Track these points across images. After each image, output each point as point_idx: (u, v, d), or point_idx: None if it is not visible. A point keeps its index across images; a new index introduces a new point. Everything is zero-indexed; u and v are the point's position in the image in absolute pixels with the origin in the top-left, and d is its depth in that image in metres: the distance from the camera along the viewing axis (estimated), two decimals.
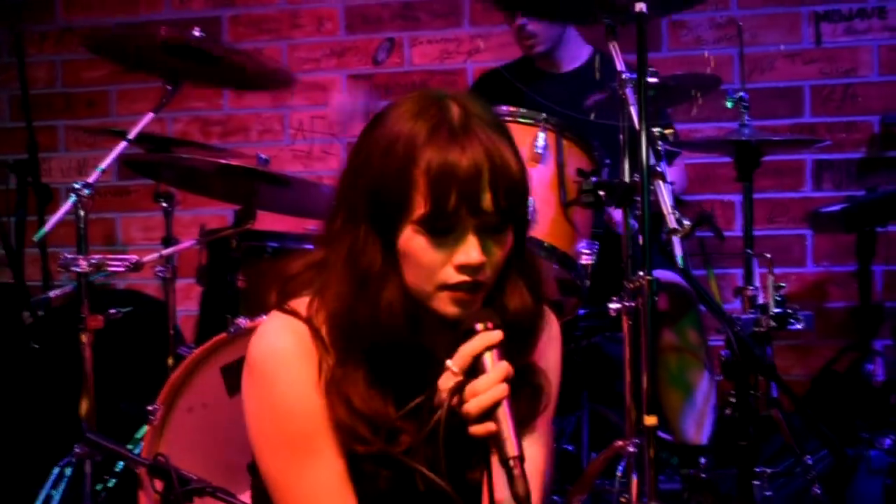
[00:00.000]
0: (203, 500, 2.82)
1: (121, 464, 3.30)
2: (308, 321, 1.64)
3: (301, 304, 1.67)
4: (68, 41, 5.00)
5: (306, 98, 4.74)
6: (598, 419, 3.74)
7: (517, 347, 1.65)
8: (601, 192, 2.69)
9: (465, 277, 1.57)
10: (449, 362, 1.57)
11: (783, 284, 3.21)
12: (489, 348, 1.56)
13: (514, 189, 1.57)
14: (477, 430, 1.53)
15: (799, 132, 4.30)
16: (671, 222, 2.50)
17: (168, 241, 3.80)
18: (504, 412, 1.53)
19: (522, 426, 1.62)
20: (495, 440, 1.53)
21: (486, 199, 1.55)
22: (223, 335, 2.83)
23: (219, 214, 4.59)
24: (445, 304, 1.59)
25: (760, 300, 3.18)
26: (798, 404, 2.68)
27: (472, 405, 1.53)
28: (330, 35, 4.79)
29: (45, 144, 4.62)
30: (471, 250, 1.56)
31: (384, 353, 1.62)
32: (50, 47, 5.01)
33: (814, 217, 4.05)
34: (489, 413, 1.52)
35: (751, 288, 3.22)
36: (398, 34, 4.70)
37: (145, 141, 3.52)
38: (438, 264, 1.57)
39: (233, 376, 2.81)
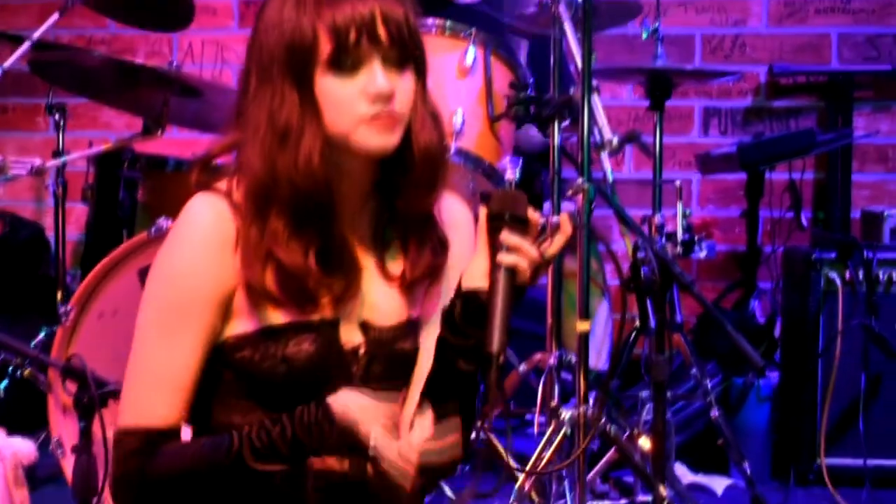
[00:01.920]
0: (115, 404, 2.78)
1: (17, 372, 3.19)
2: (227, 195, 1.65)
3: (221, 185, 1.68)
4: None
5: (196, 22, 4.54)
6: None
7: (429, 180, 1.69)
8: (531, 107, 2.73)
9: (379, 107, 1.60)
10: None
11: (689, 212, 3.31)
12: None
13: (405, 22, 1.63)
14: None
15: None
16: (607, 134, 2.56)
17: (59, 154, 3.68)
18: None
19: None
20: None
21: (382, 31, 1.60)
22: (143, 235, 2.76)
23: (104, 136, 4.45)
24: (367, 137, 1.62)
25: (667, 229, 3.28)
26: (718, 317, 2.75)
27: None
28: None
29: None
30: (378, 78, 1.60)
31: (302, 208, 1.62)
32: None
33: (704, 159, 4.16)
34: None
35: (658, 216, 3.31)
36: None
37: (42, 47, 3.40)
38: (352, 98, 1.60)
39: None
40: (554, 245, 1.60)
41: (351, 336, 1.67)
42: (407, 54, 1.64)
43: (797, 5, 4.49)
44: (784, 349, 3.76)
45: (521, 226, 1.57)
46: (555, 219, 1.60)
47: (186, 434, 1.71)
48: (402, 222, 1.71)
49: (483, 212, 1.60)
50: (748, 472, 3.20)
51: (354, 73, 1.61)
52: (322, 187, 1.62)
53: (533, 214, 1.59)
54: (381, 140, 1.62)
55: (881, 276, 3.48)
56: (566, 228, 1.61)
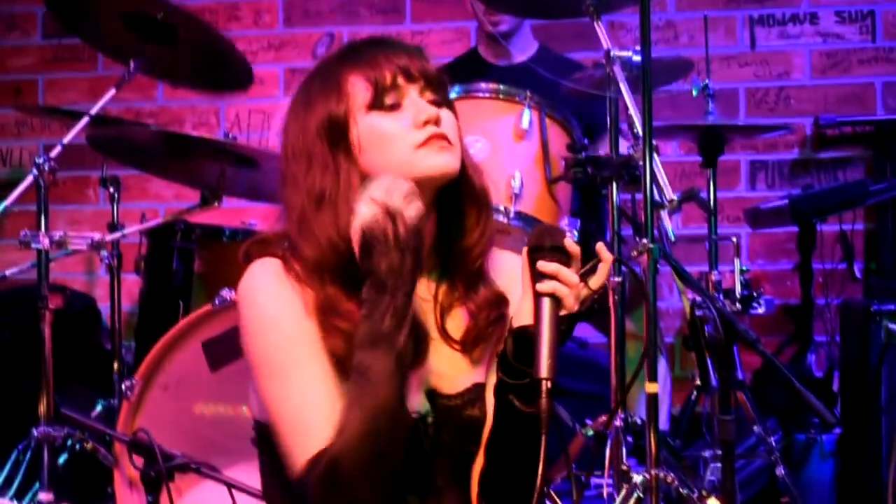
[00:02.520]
0: (181, 478, 2.77)
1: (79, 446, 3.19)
2: (282, 258, 1.69)
3: (274, 251, 1.72)
4: None
5: (242, 91, 4.66)
6: None
7: (484, 228, 1.73)
8: (589, 168, 2.72)
9: (431, 129, 1.66)
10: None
11: (747, 268, 3.29)
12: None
13: (434, 70, 1.72)
14: None
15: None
16: (668, 193, 2.55)
17: (114, 227, 3.71)
18: None
19: None
20: None
21: (416, 71, 1.69)
22: (208, 307, 2.77)
23: (154, 207, 4.49)
24: (428, 158, 1.66)
25: (725, 285, 3.26)
26: (787, 374, 2.72)
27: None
28: (268, 28, 4.75)
29: None
30: (422, 105, 1.67)
31: (350, 270, 1.63)
32: None
33: (753, 213, 4.14)
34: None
35: (715, 272, 3.29)
36: (338, 29, 4.67)
37: (99, 122, 3.43)
38: (403, 129, 1.66)
39: (215, 351, 2.75)
40: (599, 274, 1.66)
41: (418, 406, 1.67)
42: (442, 97, 1.71)
43: (840, 56, 4.48)
44: (844, 403, 3.71)
45: (559, 255, 1.61)
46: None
47: None
48: (459, 283, 1.72)
49: (524, 250, 1.64)
50: None
51: (398, 109, 1.67)
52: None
53: (570, 244, 1.63)
54: (442, 160, 1.66)
55: None
56: (605, 256, 1.67)
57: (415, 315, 1.67)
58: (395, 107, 1.67)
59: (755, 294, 3.22)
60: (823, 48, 4.50)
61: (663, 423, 3.65)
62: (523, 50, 3.85)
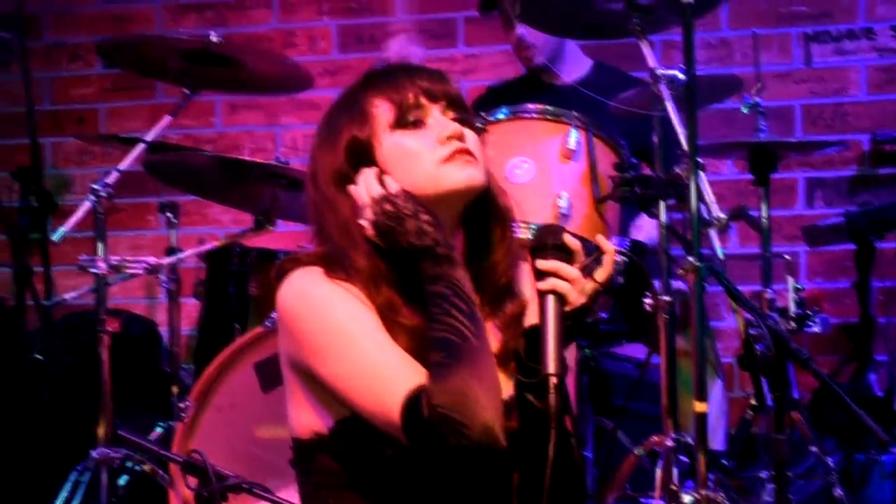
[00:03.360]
0: (234, 498, 2.79)
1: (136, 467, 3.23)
2: (322, 266, 1.71)
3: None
4: (56, 58, 4.95)
5: (299, 117, 4.73)
6: (599, 434, 3.73)
7: (509, 236, 1.77)
8: (637, 187, 2.71)
9: (455, 144, 1.68)
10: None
11: (802, 287, 3.25)
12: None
13: (456, 90, 1.75)
14: None
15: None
16: (715, 211, 2.53)
17: (172, 252, 3.76)
18: None
19: None
20: None
21: (437, 91, 1.72)
22: (259, 329, 2.80)
23: (212, 232, 4.54)
24: (453, 173, 1.68)
25: (778, 304, 3.23)
26: (839, 393, 2.68)
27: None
28: (323, 54, 4.79)
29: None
30: (445, 122, 1.70)
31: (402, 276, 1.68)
32: (37, 64, 4.94)
33: (811, 231, 4.10)
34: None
35: (769, 291, 3.26)
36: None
37: (156, 149, 3.49)
38: (427, 146, 1.69)
39: (267, 372, 2.78)
40: (604, 266, 1.69)
41: None
42: (464, 116, 1.74)
43: None
44: None
45: (560, 253, 1.64)
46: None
47: None
48: (487, 299, 1.75)
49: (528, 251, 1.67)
50: None
51: (421, 126, 1.70)
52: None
53: (571, 240, 1.66)
54: (466, 174, 1.69)
55: None
56: (607, 247, 1.72)
57: None
58: (418, 124, 1.70)
59: (809, 312, 3.18)
60: (880, 63, 4.44)
61: (720, 444, 3.62)
62: (572, 72, 3.83)
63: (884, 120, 4.42)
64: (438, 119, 1.71)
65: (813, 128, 4.46)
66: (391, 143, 1.70)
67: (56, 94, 4.98)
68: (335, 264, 1.70)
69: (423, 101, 1.71)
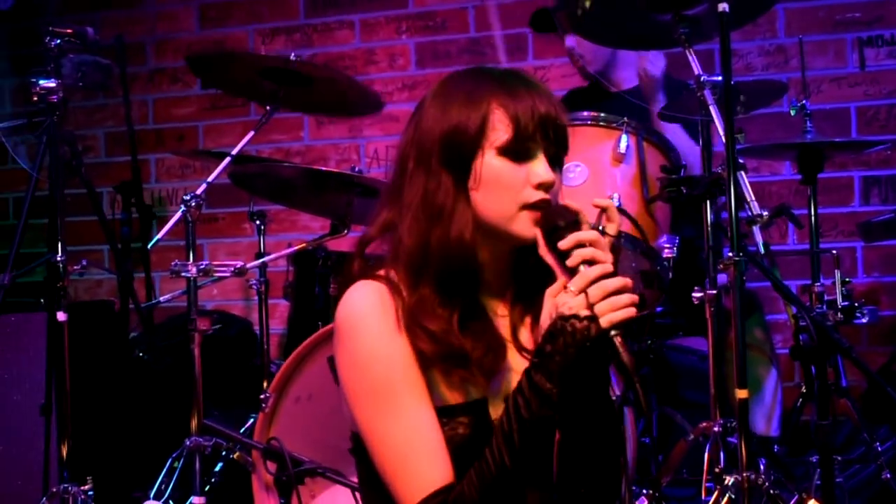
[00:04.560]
0: (312, 482, 2.85)
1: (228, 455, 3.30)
2: (385, 279, 1.69)
3: (381, 271, 1.72)
4: (159, 81, 5.10)
5: (381, 129, 4.79)
6: (663, 420, 3.72)
7: None
8: (683, 187, 2.72)
9: (543, 195, 1.66)
10: (569, 285, 1.60)
11: (849, 280, 3.21)
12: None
13: (565, 127, 1.71)
14: (623, 316, 1.57)
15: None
16: (755, 209, 2.52)
17: (260, 256, 3.84)
18: None
19: None
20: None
21: (552, 131, 1.68)
22: (331, 325, 2.84)
23: (302, 238, 4.62)
24: (526, 225, 1.66)
25: (827, 297, 3.19)
26: (879, 382, 2.65)
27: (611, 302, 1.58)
28: (402, 70, 4.86)
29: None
30: (546, 169, 1.67)
31: (449, 278, 1.67)
32: (140, 87, 5.10)
33: (865, 227, 4.03)
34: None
35: (818, 285, 3.22)
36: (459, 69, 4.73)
37: (242, 160, 3.57)
38: (520, 184, 1.66)
39: None
40: (612, 220, 1.68)
41: (500, 412, 1.66)
42: (562, 155, 1.71)
43: None
44: None
45: (575, 226, 1.62)
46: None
47: None
48: (530, 300, 1.73)
49: (538, 235, 1.64)
50: None
51: (523, 162, 1.66)
52: (470, 260, 1.68)
53: (574, 207, 1.66)
54: (532, 232, 1.66)
55: None
56: (602, 203, 1.70)
57: (495, 329, 1.72)
58: (523, 158, 1.67)
59: (857, 304, 3.14)
60: None
61: (775, 430, 3.59)
62: (631, 78, 3.82)
63: None
64: (541, 161, 1.67)
65: (867, 129, 4.39)
66: (492, 165, 1.66)
67: (158, 114, 5.12)
68: (392, 256, 1.70)
69: (538, 136, 1.67)
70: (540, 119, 1.66)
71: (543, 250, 1.64)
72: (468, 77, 1.74)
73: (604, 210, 1.68)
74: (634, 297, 1.57)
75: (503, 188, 1.66)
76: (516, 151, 1.65)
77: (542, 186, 1.66)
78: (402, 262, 1.69)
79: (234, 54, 3.40)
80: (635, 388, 1.57)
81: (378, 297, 1.67)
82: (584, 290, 1.57)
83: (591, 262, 1.59)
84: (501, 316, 1.75)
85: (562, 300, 1.59)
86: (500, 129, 1.65)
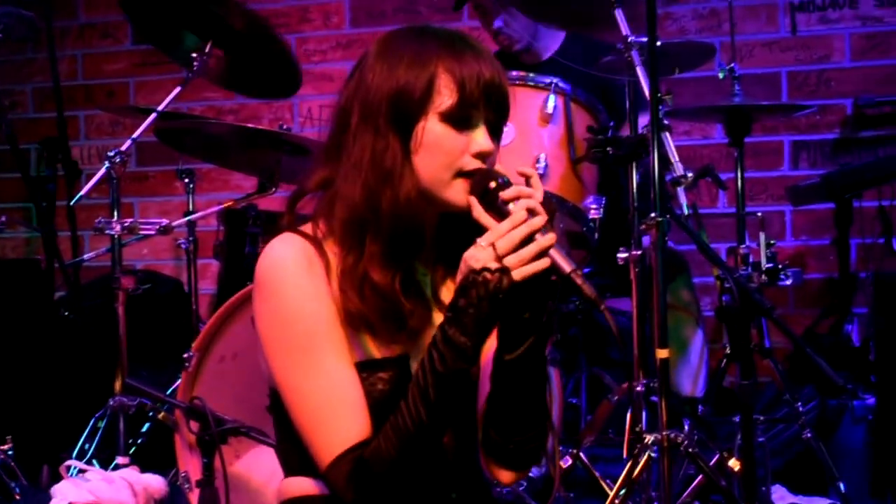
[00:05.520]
0: (237, 442, 2.81)
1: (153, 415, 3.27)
2: (310, 237, 1.67)
3: (306, 227, 1.69)
4: (88, 36, 4.99)
5: (314, 88, 4.73)
6: (593, 381, 3.74)
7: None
8: (609, 148, 2.70)
9: (479, 164, 1.64)
10: (479, 240, 1.59)
11: (773, 242, 3.23)
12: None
13: (507, 99, 1.68)
14: (534, 269, 1.55)
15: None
16: (679, 169, 2.52)
17: (188, 214, 3.78)
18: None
19: None
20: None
21: (495, 98, 1.65)
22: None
23: (232, 197, 4.55)
24: (460, 192, 1.64)
25: (752, 259, 3.21)
26: (796, 341, 2.67)
27: (528, 251, 1.56)
28: (336, 28, 4.80)
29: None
30: (485, 139, 1.65)
31: (398, 239, 1.65)
32: (70, 42, 5.00)
33: (794, 191, 4.07)
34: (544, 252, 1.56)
35: (743, 247, 3.24)
36: (400, 27, 4.67)
37: (169, 117, 3.51)
38: (458, 151, 1.64)
39: None
40: (537, 189, 1.64)
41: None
42: (502, 124, 1.69)
43: (879, 38, 4.37)
44: (879, 372, 3.62)
45: (507, 185, 1.61)
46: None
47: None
48: (451, 261, 1.70)
49: (473, 200, 1.62)
50: (844, 490, 3.09)
51: (464, 130, 1.64)
52: (419, 222, 1.65)
53: (502, 170, 1.64)
54: (465, 199, 1.64)
55: None
56: (528, 171, 1.66)
57: (421, 288, 1.71)
58: (464, 125, 1.64)
59: (781, 267, 3.16)
60: (863, 31, 4.38)
61: (701, 391, 3.62)
62: (548, 47, 3.72)
63: (867, 85, 4.37)
64: (482, 131, 1.65)
65: (798, 93, 4.41)
66: (434, 131, 1.64)
67: (88, 69, 5.02)
68: (323, 212, 1.67)
69: (482, 104, 1.64)
70: (485, 85, 1.63)
71: (479, 212, 1.61)
72: (414, 36, 1.70)
73: (528, 178, 1.66)
74: (543, 245, 1.55)
75: (442, 154, 1.64)
76: (459, 118, 1.63)
77: (480, 156, 1.64)
78: (342, 220, 1.66)
79: None
80: (606, 315, 1.59)
81: (303, 251, 1.65)
82: (492, 244, 1.56)
83: (533, 213, 1.58)
84: (422, 275, 1.74)
85: (471, 254, 1.58)
86: (444, 94, 1.63)
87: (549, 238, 1.56)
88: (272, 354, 1.66)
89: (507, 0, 3.52)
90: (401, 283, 1.65)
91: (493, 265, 1.55)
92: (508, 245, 1.55)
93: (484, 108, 1.64)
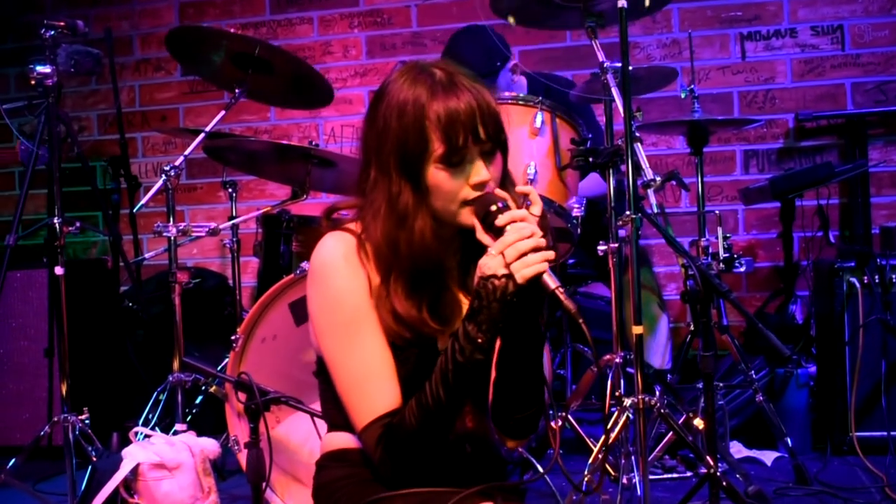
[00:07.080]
0: (277, 409, 2.83)
1: (205, 388, 3.29)
2: (357, 236, 1.68)
3: (353, 225, 1.70)
4: (144, 70, 5.01)
5: (336, 110, 4.75)
6: (576, 356, 3.77)
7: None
8: (590, 157, 2.73)
9: (479, 193, 1.64)
10: (490, 249, 1.59)
11: (729, 236, 3.25)
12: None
13: (496, 120, 1.66)
14: (534, 271, 1.55)
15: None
16: (649, 174, 2.54)
17: (232, 218, 3.80)
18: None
19: None
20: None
21: (482, 131, 1.63)
22: (291, 276, 2.83)
23: (268, 204, 4.57)
24: (468, 216, 1.65)
25: (711, 250, 3.23)
26: (749, 318, 2.70)
27: (524, 260, 1.56)
28: (354, 60, 4.81)
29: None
30: (480, 171, 1.64)
31: (418, 275, 1.65)
32: (129, 75, 5.02)
33: (745, 192, 4.09)
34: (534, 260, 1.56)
35: (703, 240, 3.26)
36: (409, 57, 4.71)
37: (215, 137, 3.53)
38: (459, 188, 1.64)
39: (299, 310, 2.81)
40: (535, 204, 1.65)
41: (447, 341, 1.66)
42: (498, 144, 1.67)
43: (815, 63, 4.39)
44: (818, 344, 3.65)
45: (506, 208, 1.61)
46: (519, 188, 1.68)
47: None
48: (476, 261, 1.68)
49: (476, 223, 1.62)
50: (790, 444, 3.12)
51: (460, 168, 1.63)
52: (434, 258, 1.66)
53: (501, 195, 1.63)
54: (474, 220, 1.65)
55: (895, 279, 3.36)
56: (526, 190, 1.66)
57: (456, 291, 1.72)
58: (459, 164, 1.63)
59: (735, 256, 3.18)
60: (802, 57, 4.40)
61: (668, 363, 3.64)
62: (509, 88, 3.62)
63: (806, 103, 4.40)
64: (476, 165, 1.63)
65: (748, 109, 4.44)
66: (436, 176, 1.63)
67: (143, 97, 5.04)
68: (366, 231, 1.67)
69: (470, 142, 1.61)
70: (470, 126, 1.61)
71: (481, 234, 1.62)
72: (409, 85, 1.67)
73: (526, 195, 1.67)
74: (548, 255, 1.56)
75: (446, 193, 1.64)
76: (452, 163, 1.62)
77: (478, 186, 1.64)
78: (375, 255, 1.66)
79: (206, 30, 3.28)
80: (582, 327, 1.59)
81: (351, 247, 1.66)
82: (501, 253, 1.57)
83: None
84: (456, 279, 1.74)
85: (483, 262, 1.59)
86: (435, 142, 1.62)
87: (550, 253, 1.56)
88: (321, 332, 1.68)
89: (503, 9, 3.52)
90: (430, 311, 1.66)
91: (502, 271, 1.57)
92: (515, 254, 1.56)
93: (473, 144, 1.62)
